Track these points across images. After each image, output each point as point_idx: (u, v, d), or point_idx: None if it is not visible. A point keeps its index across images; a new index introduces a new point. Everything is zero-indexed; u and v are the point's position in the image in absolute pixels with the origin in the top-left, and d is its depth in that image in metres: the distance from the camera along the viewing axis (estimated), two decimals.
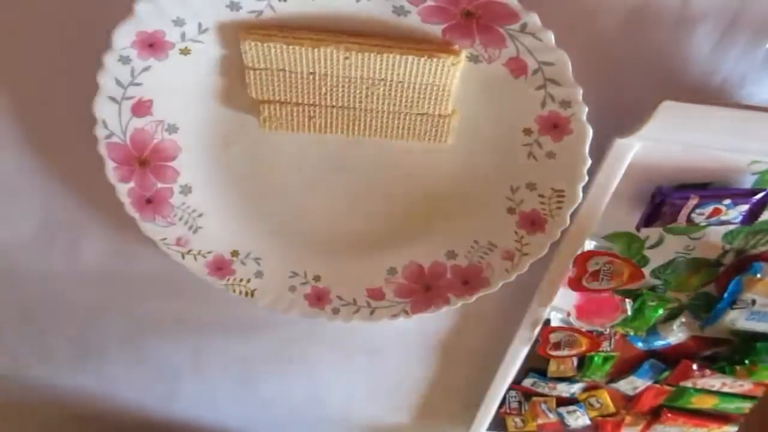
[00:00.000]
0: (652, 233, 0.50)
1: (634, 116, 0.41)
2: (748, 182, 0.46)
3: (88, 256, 0.56)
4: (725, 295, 0.53)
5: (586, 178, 0.43)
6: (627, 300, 0.55)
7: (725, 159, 0.44)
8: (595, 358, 0.62)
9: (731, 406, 0.68)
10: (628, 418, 0.72)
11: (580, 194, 0.44)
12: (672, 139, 0.42)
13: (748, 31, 0.40)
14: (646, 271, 0.53)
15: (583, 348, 0.59)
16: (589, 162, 0.42)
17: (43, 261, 0.57)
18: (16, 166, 0.49)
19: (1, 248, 0.56)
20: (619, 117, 0.42)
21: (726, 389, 0.65)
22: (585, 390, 0.69)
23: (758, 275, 0.50)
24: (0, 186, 0.51)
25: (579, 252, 0.50)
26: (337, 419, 0.78)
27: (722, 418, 0.71)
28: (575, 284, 0.52)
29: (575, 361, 0.63)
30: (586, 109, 0.39)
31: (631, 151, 0.43)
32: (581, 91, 0.39)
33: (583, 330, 0.58)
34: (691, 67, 0.42)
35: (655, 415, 0.71)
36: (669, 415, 0.70)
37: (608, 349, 0.61)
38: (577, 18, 0.40)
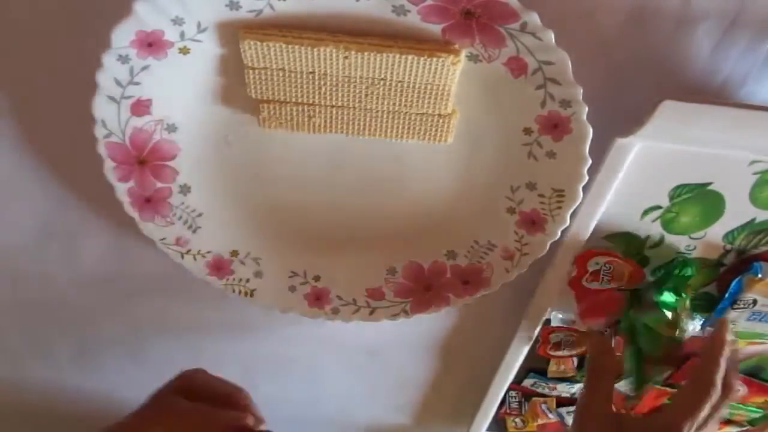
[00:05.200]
0: (653, 232, 0.50)
1: (634, 116, 0.41)
2: (748, 182, 0.46)
3: (87, 256, 0.56)
4: (726, 295, 0.53)
5: (586, 178, 0.43)
6: None
7: (725, 159, 0.44)
8: None
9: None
10: None
11: (580, 194, 0.44)
12: (672, 139, 0.42)
13: (749, 31, 0.40)
14: (647, 271, 0.53)
15: (583, 348, 0.59)
16: (589, 162, 0.42)
17: (43, 261, 0.57)
18: (16, 166, 0.49)
19: (1, 249, 0.56)
20: (619, 117, 0.42)
21: None
22: None
23: (759, 275, 0.50)
24: None
25: (579, 252, 0.50)
26: (337, 419, 0.78)
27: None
28: (575, 284, 0.52)
29: (575, 361, 0.63)
30: (586, 109, 0.39)
31: (631, 151, 0.43)
32: (581, 91, 0.39)
33: (583, 330, 0.58)
34: (692, 67, 0.42)
35: None
36: None
37: None
38: (577, 18, 0.40)
